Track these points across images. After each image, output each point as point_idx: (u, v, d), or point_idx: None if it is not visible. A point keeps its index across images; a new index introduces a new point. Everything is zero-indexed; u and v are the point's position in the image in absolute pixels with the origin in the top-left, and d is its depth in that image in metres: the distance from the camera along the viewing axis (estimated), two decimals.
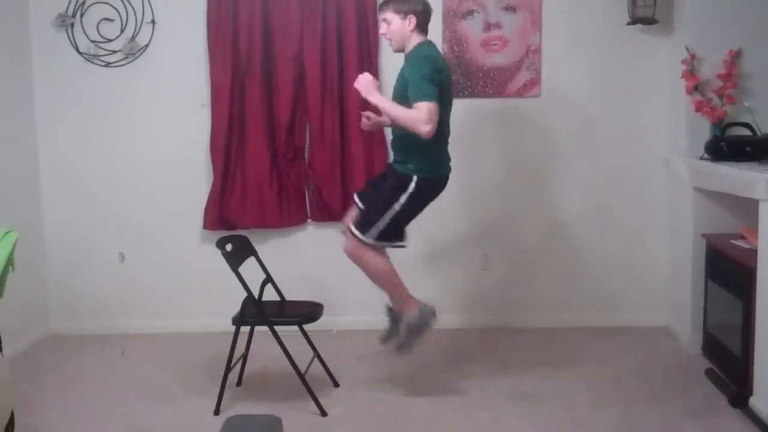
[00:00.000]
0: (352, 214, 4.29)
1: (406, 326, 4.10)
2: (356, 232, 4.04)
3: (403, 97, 4.01)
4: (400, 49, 4.13)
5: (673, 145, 5.16)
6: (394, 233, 4.07)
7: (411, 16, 4.06)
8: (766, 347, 3.79)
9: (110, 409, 4.22)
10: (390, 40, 4.12)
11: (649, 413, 4.05)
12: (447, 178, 4.21)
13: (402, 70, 4.12)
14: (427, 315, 4.10)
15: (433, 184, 4.12)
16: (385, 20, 4.09)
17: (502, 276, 5.47)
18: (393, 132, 4.23)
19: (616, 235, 5.40)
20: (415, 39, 4.09)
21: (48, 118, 5.39)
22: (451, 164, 4.23)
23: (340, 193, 5.26)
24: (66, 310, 5.50)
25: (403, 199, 4.02)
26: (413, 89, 3.91)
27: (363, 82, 4.03)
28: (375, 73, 5.16)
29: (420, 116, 3.85)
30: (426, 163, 4.05)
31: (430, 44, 4.14)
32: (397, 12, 4.05)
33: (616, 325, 5.38)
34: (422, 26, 4.10)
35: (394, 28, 4.07)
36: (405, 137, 4.03)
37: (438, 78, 3.94)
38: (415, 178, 4.02)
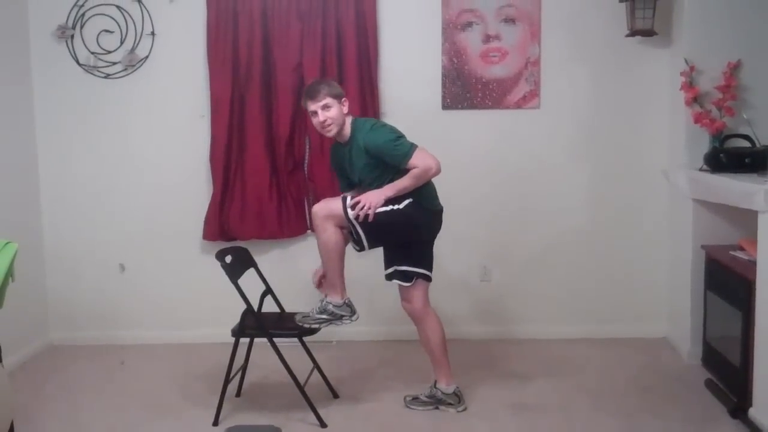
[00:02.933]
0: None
1: (324, 305, 4.10)
2: (348, 200, 3.98)
3: (376, 172, 4.03)
4: (337, 133, 4.09)
5: (672, 157, 5.17)
6: (374, 230, 4.01)
7: (344, 99, 4.09)
8: (766, 358, 3.79)
9: (109, 420, 4.22)
10: (330, 126, 4.03)
11: (648, 424, 4.05)
12: (439, 212, 4.20)
13: (354, 156, 4.08)
14: (346, 312, 4.11)
15: (425, 212, 4.10)
16: (325, 106, 4.00)
17: (501, 287, 5.47)
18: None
19: (616, 246, 5.40)
20: (348, 120, 4.10)
21: (48, 129, 5.40)
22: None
23: None
24: (66, 321, 5.50)
25: (397, 207, 4.00)
26: (396, 155, 3.95)
27: (371, 201, 3.94)
28: (374, 84, 5.19)
29: (424, 165, 3.93)
30: (415, 196, 4.04)
31: (359, 119, 4.18)
32: (334, 97, 4.03)
33: (616, 336, 5.37)
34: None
35: (335, 112, 4.02)
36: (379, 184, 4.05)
37: (397, 131, 4.05)
38: (406, 201, 4.01)
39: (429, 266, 4.20)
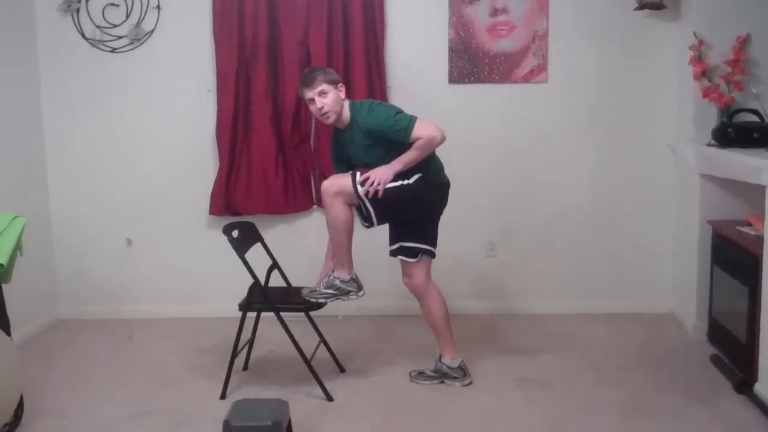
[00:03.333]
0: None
1: (331, 280, 4.11)
2: (358, 176, 3.98)
3: (381, 150, 4.02)
4: (336, 119, 4.08)
5: (680, 131, 5.15)
6: (384, 206, 4.01)
7: (341, 84, 4.08)
8: None
9: (117, 393, 4.25)
10: (327, 112, 4.03)
11: (654, 399, 4.06)
12: (447, 184, 4.21)
13: (356, 139, 4.08)
14: (353, 287, 4.13)
15: (434, 186, 4.11)
16: (321, 93, 4.00)
17: (507, 262, 5.47)
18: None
19: (622, 221, 5.40)
20: (345, 104, 4.09)
21: (54, 104, 5.39)
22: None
23: None
24: (73, 295, 5.53)
25: (407, 181, 4.00)
26: (397, 129, 3.94)
27: (380, 177, 3.94)
28: (381, 57, 5.16)
29: (428, 135, 3.92)
30: (424, 170, 4.03)
31: (355, 102, 4.16)
32: (331, 83, 4.02)
33: (622, 311, 5.38)
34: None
35: (332, 98, 4.01)
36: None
37: (396, 108, 4.04)
38: (415, 176, 4.02)
39: (433, 242, 4.21)
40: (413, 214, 4.14)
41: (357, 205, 4.03)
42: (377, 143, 4.02)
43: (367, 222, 4.08)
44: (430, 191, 4.10)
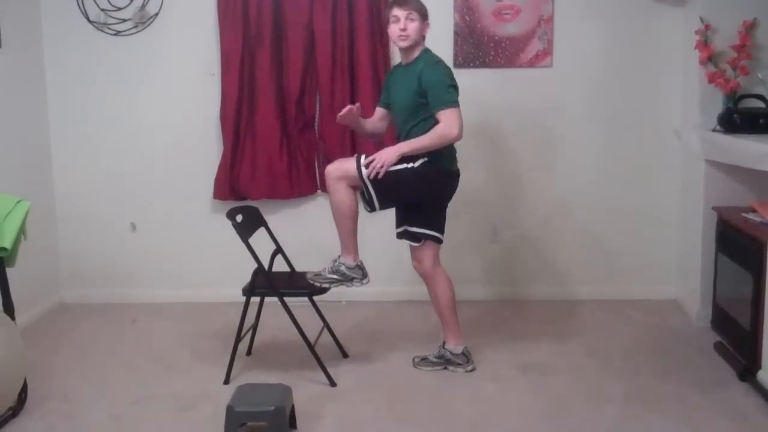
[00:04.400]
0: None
1: (336, 266, 4.13)
2: (363, 159, 3.98)
3: (413, 105, 4.02)
4: (407, 49, 4.08)
5: (685, 117, 5.13)
6: (385, 189, 4.01)
7: (427, 22, 4.10)
8: None
9: (121, 377, 4.26)
10: (406, 37, 4.04)
11: (657, 386, 4.06)
12: (455, 174, 4.19)
13: (405, 79, 4.09)
14: (357, 274, 4.14)
15: (439, 172, 4.08)
16: (409, 17, 4.02)
17: (511, 247, 5.47)
18: (399, 136, 4.18)
19: (626, 207, 5.39)
20: (421, 45, 4.11)
21: (58, 87, 5.38)
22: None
23: None
24: (77, 280, 5.54)
25: (411, 165, 3.98)
26: (438, 97, 3.94)
27: (383, 158, 3.92)
28: (385, 41, 5.13)
29: (448, 128, 3.90)
30: (431, 155, 4.01)
31: (431, 52, 4.16)
32: (420, 13, 4.04)
33: (626, 297, 5.38)
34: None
35: (416, 27, 4.03)
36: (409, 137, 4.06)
37: (455, 83, 4.01)
38: (421, 160, 4.00)
39: (440, 228, 4.20)
40: (416, 198, 4.13)
41: (360, 189, 4.02)
42: (416, 96, 4.00)
43: (369, 206, 4.07)
44: (434, 177, 4.07)
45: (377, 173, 3.92)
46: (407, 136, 4.08)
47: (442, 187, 4.16)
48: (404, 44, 4.06)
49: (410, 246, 4.22)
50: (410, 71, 4.07)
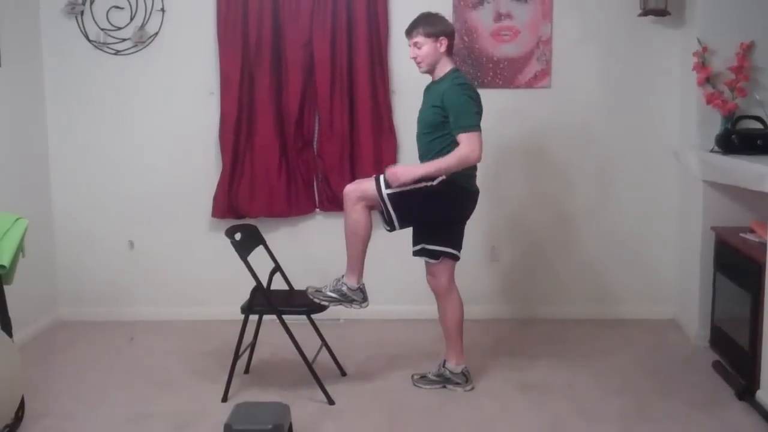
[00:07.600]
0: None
1: (338, 283, 4.15)
2: (382, 178, 4.01)
3: (434, 122, 4.04)
4: (429, 72, 4.14)
5: (683, 138, 5.14)
6: (404, 208, 4.04)
7: (442, 38, 4.08)
8: None
9: (118, 395, 4.24)
10: (420, 63, 4.11)
11: (655, 405, 4.05)
12: (473, 193, 4.22)
13: (431, 96, 4.12)
14: (358, 297, 4.17)
15: (457, 191, 4.09)
16: (415, 44, 4.08)
17: (510, 267, 5.47)
18: (421, 156, 4.18)
19: (625, 227, 5.39)
20: (447, 63, 4.12)
21: (57, 106, 5.40)
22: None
23: (349, 182, 5.22)
24: (75, 297, 5.52)
25: (431, 184, 3.99)
26: (459, 119, 3.95)
27: (399, 173, 3.97)
28: (384, 61, 5.16)
29: (468, 150, 3.92)
30: (450, 174, 4.01)
31: (460, 71, 4.19)
32: (428, 36, 4.05)
33: (624, 317, 5.38)
34: (451, 49, 4.14)
35: (426, 51, 4.06)
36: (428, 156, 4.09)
37: (478, 108, 4.04)
38: (440, 178, 4.00)
39: (457, 246, 4.20)
40: (434, 217, 4.14)
41: (380, 209, 4.04)
42: (437, 115, 4.02)
43: (389, 226, 4.09)
44: (453, 196, 4.09)
45: (397, 184, 3.95)
46: (425, 149, 4.12)
47: (460, 205, 4.18)
48: (421, 70, 4.14)
49: (426, 262, 4.23)
50: (436, 89, 4.10)
